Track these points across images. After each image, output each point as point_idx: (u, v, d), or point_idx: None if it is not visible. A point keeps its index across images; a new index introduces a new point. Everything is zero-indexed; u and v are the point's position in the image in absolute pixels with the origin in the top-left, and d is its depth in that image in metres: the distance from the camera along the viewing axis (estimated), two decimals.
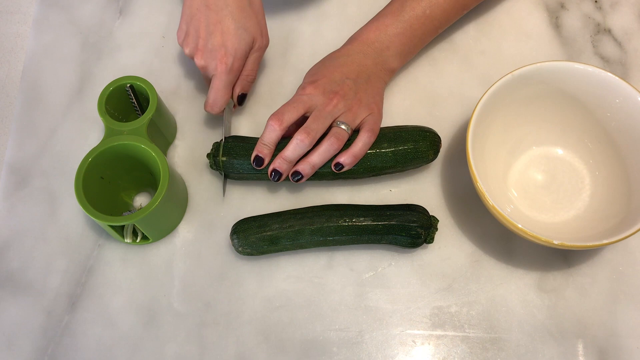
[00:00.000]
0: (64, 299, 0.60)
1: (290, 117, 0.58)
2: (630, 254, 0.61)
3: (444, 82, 0.69)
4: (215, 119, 0.68)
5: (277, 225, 0.58)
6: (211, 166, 0.62)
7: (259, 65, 0.65)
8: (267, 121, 0.58)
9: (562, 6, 0.74)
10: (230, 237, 0.59)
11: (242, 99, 0.65)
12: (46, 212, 0.64)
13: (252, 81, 0.65)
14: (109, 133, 0.59)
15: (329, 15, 0.74)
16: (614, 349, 0.57)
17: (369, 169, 0.60)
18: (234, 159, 0.61)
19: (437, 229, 0.59)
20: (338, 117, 0.59)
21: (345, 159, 0.58)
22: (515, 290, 0.59)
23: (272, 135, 0.58)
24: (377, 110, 0.61)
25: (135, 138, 0.58)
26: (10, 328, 0.59)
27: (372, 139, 0.59)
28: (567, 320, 0.58)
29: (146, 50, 0.72)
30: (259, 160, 0.59)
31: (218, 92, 0.61)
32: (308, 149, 0.58)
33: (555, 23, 0.73)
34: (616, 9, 0.73)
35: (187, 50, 0.62)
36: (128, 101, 0.63)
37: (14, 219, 0.63)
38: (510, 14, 0.73)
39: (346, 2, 0.75)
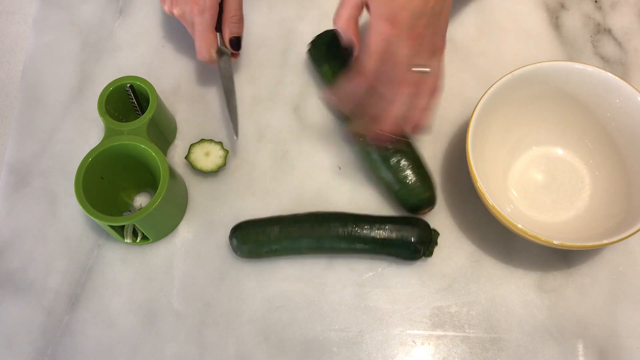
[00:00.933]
0: (64, 299, 0.60)
1: (376, 65, 0.53)
2: (630, 254, 0.61)
3: (444, 82, 0.69)
4: (214, 118, 0.68)
5: (276, 232, 0.58)
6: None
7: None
8: (351, 78, 0.54)
9: (562, 6, 0.74)
10: (229, 239, 0.59)
11: (236, 43, 0.63)
12: (46, 212, 0.64)
13: (239, 21, 0.63)
14: (109, 133, 0.59)
15: (329, 15, 0.74)
16: (614, 349, 0.57)
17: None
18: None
19: (437, 244, 0.59)
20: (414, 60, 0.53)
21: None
22: (515, 290, 0.59)
23: (361, 84, 0.54)
24: (442, 45, 0.55)
25: (135, 138, 0.58)
26: (10, 328, 0.59)
27: (441, 81, 0.55)
28: (567, 320, 0.58)
29: (146, 50, 0.72)
30: (340, 115, 0.57)
31: (200, 35, 0.60)
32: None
33: (555, 23, 0.73)
34: (616, 9, 0.73)
35: (165, 7, 0.62)
36: (128, 101, 0.63)
37: (14, 219, 0.63)
38: (510, 14, 0.73)
39: None
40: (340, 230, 0.58)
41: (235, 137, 0.64)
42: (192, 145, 0.63)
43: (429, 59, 0.54)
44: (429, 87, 0.54)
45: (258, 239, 0.58)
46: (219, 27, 0.64)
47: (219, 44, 0.64)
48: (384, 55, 0.53)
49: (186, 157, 0.63)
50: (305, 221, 0.58)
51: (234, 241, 0.59)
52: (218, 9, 0.61)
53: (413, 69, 0.53)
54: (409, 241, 0.57)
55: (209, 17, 0.60)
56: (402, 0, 0.52)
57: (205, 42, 0.61)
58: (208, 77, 0.70)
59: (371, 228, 0.58)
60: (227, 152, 0.64)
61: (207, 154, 0.63)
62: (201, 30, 0.60)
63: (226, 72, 0.64)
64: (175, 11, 0.61)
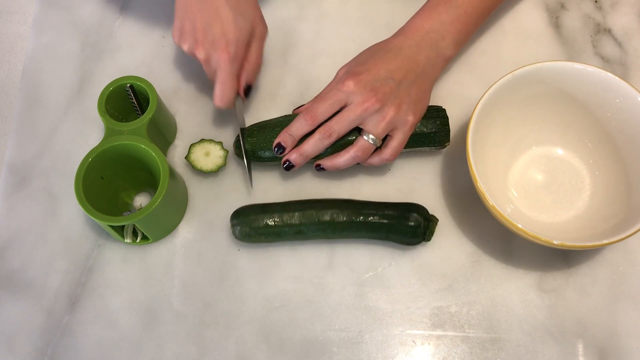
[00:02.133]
0: (64, 299, 0.60)
1: (325, 114, 0.58)
2: (630, 254, 0.61)
3: (444, 82, 0.69)
4: (214, 118, 0.68)
5: (278, 213, 0.59)
6: (237, 155, 0.63)
7: (262, 14, 0.63)
8: (301, 114, 0.58)
9: (562, 6, 0.74)
10: (230, 222, 0.59)
11: (248, 91, 0.63)
12: (46, 212, 0.64)
13: (258, 71, 0.63)
14: (109, 133, 0.59)
15: (329, 15, 0.74)
16: (614, 349, 0.57)
17: None
18: (257, 150, 0.62)
19: (436, 222, 0.60)
20: (367, 121, 0.57)
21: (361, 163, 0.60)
22: (515, 290, 0.59)
23: (301, 129, 0.58)
24: (414, 118, 0.59)
25: (135, 138, 0.58)
26: (10, 328, 0.59)
27: (395, 155, 0.59)
28: (567, 320, 0.58)
29: (146, 50, 0.72)
30: (280, 147, 0.59)
31: (225, 83, 0.59)
32: (327, 147, 0.59)
33: (555, 23, 0.73)
34: (616, 9, 0.73)
35: (185, 47, 0.60)
36: (128, 101, 0.63)
37: (14, 219, 0.63)
38: (510, 14, 0.73)
39: (346, 2, 0.75)
40: (342, 213, 0.58)
41: (250, 187, 0.64)
42: (192, 145, 0.63)
43: (383, 129, 0.57)
44: (368, 152, 0.59)
45: (259, 220, 0.58)
46: None
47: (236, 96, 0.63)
48: (336, 105, 0.57)
49: (186, 157, 0.63)
50: (307, 204, 0.59)
51: (235, 223, 0.59)
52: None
53: (363, 136, 0.58)
54: (408, 224, 0.58)
55: (238, 66, 0.60)
56: (369, 64, 0.58)
57: (229, 90, 0.60)
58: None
59: (371, 213, 0.58)
60: (227, 152, 0.64)
61: (207, 154, 0.63)
62: (228, 78, 0.59)
63: (240, 115, 0.64)
64: (200, 54, 0.59)
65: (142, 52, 0.72)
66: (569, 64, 0.59)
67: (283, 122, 0.62)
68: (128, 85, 0.62)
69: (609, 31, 0.72)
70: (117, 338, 0.58)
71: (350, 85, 0.57)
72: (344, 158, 0.59)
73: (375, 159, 0.60)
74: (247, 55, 0.61)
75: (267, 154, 0.62)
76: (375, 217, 0.58)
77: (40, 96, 0.70)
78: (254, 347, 0.57)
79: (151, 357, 0.57)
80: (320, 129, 0.58)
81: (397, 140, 0.59)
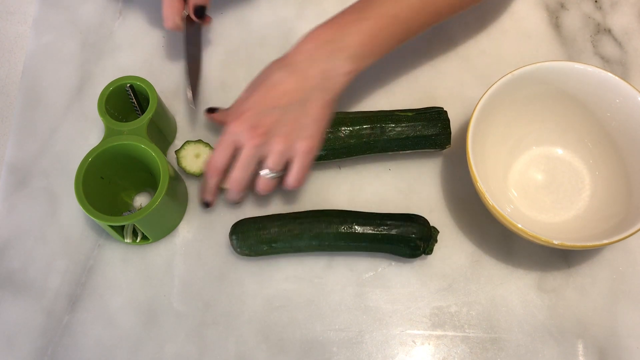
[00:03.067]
0: (64, 299, 0.60)
1: (223, 161, 0.57)
2: (630, 254, 0.61)
3: (444, 82, 0.69)
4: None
5: (276, 229, 0.58)
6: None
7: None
8: (205, 173, 0.59)
9: (562, 6, 0.74)
10: (229, 237, 0.59)
11: (200, 11, 0.63)
12: (46, 212, 0.64)
13: None
14: (108, 133, 0.59)
15: (329, 14, 0.74)
16: (614, 349, 0.57)
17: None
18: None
19: (436, 241, 0.59)
20: (264, 156, 0.56)
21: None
22: (515, 290, 0.59)
23: (211, 182, 0.59)
24: (310, 142, 0.56)
25: (135, 138, 0.58)
26: (10, 328, 0.59)
27: (298, 181, 0.57)
28: (567, 320, 0.58)
29: (146, 50, 0.72)
30: (206, 204, 0.61)
31: (167, 3, 0.61)
32: (242, 192, 0.59)
33: (555, 23, 0.73)
34: (616, 9, 0.73)
35: None
36: (128, 101, 0.63)
37: (14, 219, 0.63)
38: (510, 14, 0.73)
39: (346, 2, 0.74)
40: (340, 227, 0.58)
41: (192, 107, 0.64)
42: (187, 142, 0.63)
43: (276, 162, 0.56)
44: (270, 187, 0.58)
45: (258, 236, 0.58)
46: None
47: (186, 12, 0.64)
48: (228, 150, 0.56)
49: (177, 152, 0.63)
50: (305, 218, 0.58)
51: (234, 239, 0.59)
52: None
53: (260, 171, 0.57)
54: (408, 238, 0.57)
55: None
56: (251, 99, 0.56)
57: (171, 10, 0.62)
58: (207, 77, 0.70)
59: (371, 225, 0.58)
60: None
61: (197, 156, 0.62)
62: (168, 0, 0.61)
63: (193, 39, 0.64)
64: None
65: (142, 52, 0.72)
66: (569, 64, 0.59)
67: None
68: (128, 85, 0.62)
69: (609, 31, 0.72)
70: (117, 338, 0.58)
71: (233, 127, 0.55)
72: (256, 190, 0.59)
73: (286, 185, 0.58)
74: None
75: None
76: (376, 237, 0.58)
77: (40, 96, 0.70)
78: (254, 347, 0.57)
79: (151, 357, 0.57)
80: (227, 183, 0.58)
81: (296, 167, 0.56)
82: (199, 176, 0.63)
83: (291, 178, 0.57)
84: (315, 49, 0.55)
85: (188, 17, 0.64)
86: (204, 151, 0.63)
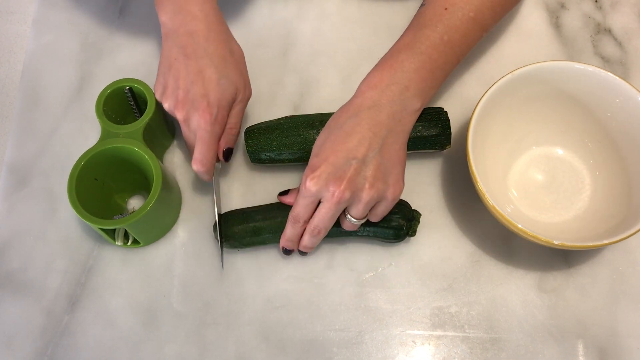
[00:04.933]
0: (63, 299, 0.60)
1: (307, 214, 0.55)
2: (630, 254, 0.61)
3: (444, 82, 0.69)
4: None
5: (261, 216, 0.59)
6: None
7: (249, 77, 0.61)
8: (288, 220, 0.56)
9: (562, 6, 0.73)
10: (213, 230, 0.59)
11: (228, 154, 0.60)
12: (46, 212, 0.64)
13: (237, 134, 0.61)
14: (105, 135, 0.59)
15: (329, 15, 0.74)
16: (614, 349, 0.57)
17: None
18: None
19: (419, 222, 0.60)
20: (347, 207, 0.55)
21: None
22: (515, 290, 0.59)
23: (294, 232, 0.57)
24: (395, 188, 0.54)
25: (129, 141, 0.58)
26: (10, 328, 0.59)
27: (380, 218, 0.57)
28: (567, 320, 0.58)
29: (146, 50, 0.72)
30: (287, 251, 0.59)
31: (205, 145, 0.56)
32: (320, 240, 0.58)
33: (555, 23, 0.73)
34: (616, 9, 0.73)
35: (166, 104, 0.57)
36: (127, 103, 0.63)
37: (14, 219, 0.63)
38: (510, 14, 0.73)
39: (346, 2, 0.75)
40: None
41: (222, 268, 0.61)
42: None
43: (363, 211, 0.54)
44: (355, 228, 0.57)
45: (243, 224, 0.59)
46: None
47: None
48: (310, 206, 0.54)
49: None
50: (286, 206, 0.59)
51: (223, 237, 0.59)
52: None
53: (347, 216, 0.55)
54: (390, 218, 0.57)
55: (219, 129, 0.57)
56: (325, 154, 0.53)
57: (210, 153, 0.57)
58: None
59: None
60: None
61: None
62: (208, 141, 0.56)
63: (216, 186, 0.62)
64: (180, 114, 0.56)
65: (142, 52, 0.72)
66: (569, 64, 0.59)
67: (283, 124, 0.61)
68: (127, 87, 0.61)
69: (609, 31, 0.72)
70: (117, 338, 0.58)
71: (311, 186, 0.52)
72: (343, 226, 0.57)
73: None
74: (228, 118, 0.59)
75: (267, 155, 0.62)
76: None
77: (40, 96, 0.70)
78: (254, 347, 0.57)
79: (151, 357, 0.57)
80: (308, 228, 0.56)
81: (381, 209, 0.55)
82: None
83: (374, 218, 0.56)
84: (379, 94, 0.54)
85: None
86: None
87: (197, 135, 0.56)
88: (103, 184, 0.60)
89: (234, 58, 0.58)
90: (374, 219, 0.56)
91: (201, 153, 0.57)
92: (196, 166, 0.58)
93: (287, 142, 0.61)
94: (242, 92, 0.58)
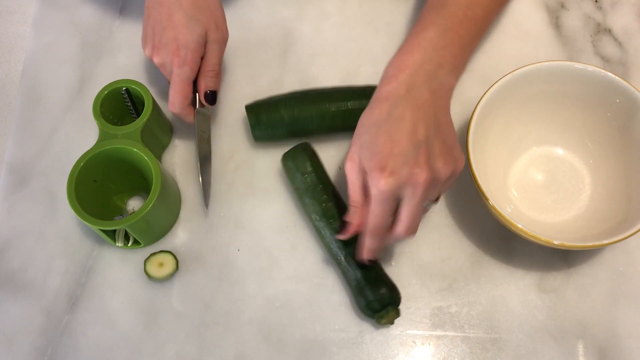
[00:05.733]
0: (63, 299, 0.60)
1: (387, 222, 0.51)
2: (630, 254, 0.61)
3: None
4: (213, 118, 0.68)
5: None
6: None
7: (225, 20, 0.62)
8: (366, 233, 0.52)
9: (562, 6, 0.73)
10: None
11: (211, 97, 0.61)
12: (46, 212, 0.64)
13: (217, 76, 0.61)
14: (103, 136, 0.59)
15: (329, 15, 0.74)
16: (614, 349, 0.57)
17: None
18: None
19: (391, 322, 0.57)
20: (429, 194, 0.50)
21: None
22: (515, 290, 0.59)
23: (378, 244, 0.53)
24: (460, 157, 0.51)
25: (128, 142, 0.58)
26: (10, 328, 0.59)
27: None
28: (568, 320, 0.58)
29: None
30: (371, 262, 0.54)
31: (175, 86, 0.59)
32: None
33: (556, 23, 0.72)
34: (616, 9, 0.73)
35: (146, 52, 0.60)
36: (124, 104, 0.63)
37: (14, 219, 0.63)
38: (510, 14, 0.73)
39: (346, 2, 0.75)
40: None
41: (205, 209, 0.62)
42: (151, 255, 0.60)
43: (443, 185, 0.51)
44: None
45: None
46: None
47: (198, 106, 0.62)
48: (389, 211, 0.50)
49: (145, 261, 0.60)
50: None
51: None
52: (199, 63, 0.60)
53: (426, 205, 0.52)
54: (372, 294, 0.55)
55: (188, 70, 0.58)
56: (386, 149, 0.48)
57: (179, 95, 0.59)
58: None
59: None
60: (176, 264, 0.60)
61: (160, 265, 0.60)
62: (178, 82, 0.58)
63: (203, 135, 0.62)
64: (156, 60, 0.59)
65: (141, 52, 0.72)
66: (569, 64, 0.59)
67: (287, 100, 0.63)
68: (124, 88, 0.61)
69: (609, 31, 0.72)
70: (117, 338, 0.58)
71: (387, 186, 0.47)
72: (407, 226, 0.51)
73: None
74: (204, 61, 0.60)
75: (265, 133, 0.63)
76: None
77: (40, 96, 0.70)
78: (254, 347, 0.57)
79: (151, 357, 0.57)
80: (397, 235, 0.51)
81: (448, 183, 0.52)
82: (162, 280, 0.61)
83: (442, 192, 0.53)
84: (413, 77, 0.50)
85: (197, 110, 0.62)
86: (168, 260, 0.60)
87: (171, 78, 0.59)
88: (102, 185, 0.60)
89: (206, 1, 0.59)
90: (443, 191, 0.53)
91: (172, 95, 0.59)
92: (170, 108, 0.60)
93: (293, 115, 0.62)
94: (213, 32, 0.59)
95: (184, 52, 0.58)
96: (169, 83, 0.60)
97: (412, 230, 0.51)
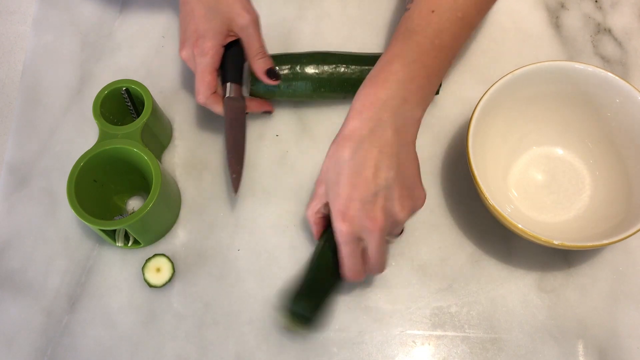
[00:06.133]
0: (63, 299, 0.60)
1: (359, 266, 0.52)
2: (630, 254, 0.61)
3: (444, 82, 0.69)
4: (213, 118, 0.68)
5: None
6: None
7: (251, 4, 0.62)
8: (346, 276, 0.53)
9: (562, 6, 0.73)
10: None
11: (272, 74, 0.63)
12: (46, 212, 0.64)
13: (265, 56, 0.63)
14: (103, 136, 0.59)
15: (329, 15, 0.74)
16: (614, 349, 0.57)
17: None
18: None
19: (298, 327, 0.56)
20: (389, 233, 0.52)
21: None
22: (515, 290, 0.59)
23: (359, 278, 0.54)
24: (420, 197, 0.52)
25: (128, 142, 0.58)
26: (10, 328, 0.59)
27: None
28: (567, 320, 0.58)
29: (146, 50, 0.72)
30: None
31: (198, 76, 0.60)
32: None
33: (556, 23, 0.73)
34: (616, 9, 0.73)
35: (181, 53, 0.62)
36: (124, 104, 0.63)
37: (14, 219, 0.63)
38: (510, 14, 0.73)
39: (346, 2, 0.75)
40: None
41: (234, 194, 0.62)
42: (147, 260, 0.60)
43: (401, 227, 0.53)
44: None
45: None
46: (233, 72, 0.63)
47: (229, 94, 0.62)
48: (357, 254, 0.52)
49: (142, 267, 0.60)
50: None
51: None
52: (221, 52, 0.61)
53: (390, 240, 0.55)
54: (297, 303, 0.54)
55: (208, 59, 0.60)
56: (346, 192, 0.50)
57: (202, 84, 0.60)
58: None
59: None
60: (173, 271, 0.60)
61: (158, 270, 0.60)
62: (199, 72, 0.60)
63: (236, 122, 0.62)
64: (182, 54, 0.61)
65: (142, 52, 0.72)
66: (569, 64, 0.59)
67: (290, 57, 0.65)
68: (124, 88, 0.61)
69: (609, 31, 0.72)
70: (117, 338, 0.58)
71: (347, 232, 0.50)
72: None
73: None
74: (247, 48, 0.62)
75: (265, 86, 0.64)
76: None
77: (40, 96, 0.70)
78: (254, 347, 0.57)
79: (151, 357, 0.57)
80: (372, 273, 0.54)
81: (411, 217, 0.54)
82: (161, 287, 0.60)
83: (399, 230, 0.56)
84: (378, 114, 0.50)
85: (229, 98, 0.62)
86: (164, 264, 0.60)
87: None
88: (102, 185, 0.60)
89: None
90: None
91: (197, 84, 0.60)
92: (196, 98, 0.61)
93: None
94: (239, 18, 0.60)
95: (202, 41, 0.59)
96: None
97: (379, 268, 0.54)
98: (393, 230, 0.52)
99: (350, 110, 0.52)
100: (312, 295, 0.54)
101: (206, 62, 0.60)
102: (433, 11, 0.54)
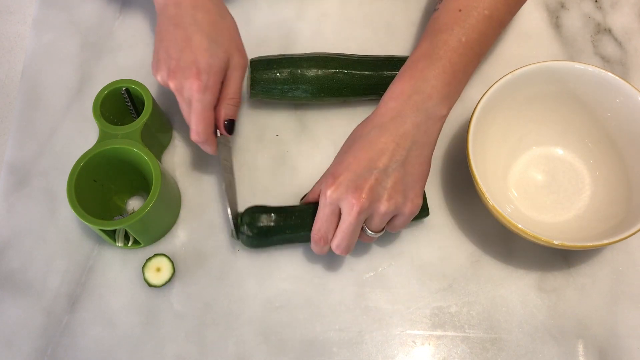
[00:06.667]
0: (63, 299, 0.60)
1: (330, 231, 0.54)
2: (630, 254, 0.61)
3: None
4: None
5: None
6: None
7: (243, 44, 0.59)
8: (312, 238, 0.55)
9: (563, 6, 0.74)
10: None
11: (230, 126, 0.58)
12: (46, 212, 0.64)
13: (237, 105, 0.59)
14: (102, 136, 0.59)
15: (329, 15, 0.74)
16: (614, 349, 0.57)
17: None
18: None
19: (247, 232, 0.58)
20: (366, 220, 0.53)
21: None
22: (515, 290, 0.59)
23: (322, 250, 0.56)
24: (414, 203, 0.53)
25: (127, 142, 0.58)
26: (10, 328, 0.59)
27: (399, 229, 0.56)
28: (567, 320, 0.58)
29: (146, 50, 0.72)
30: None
31: (198, 114, 0.55)
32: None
33: (556, 23, 0.73)
34: (616, 9, 0.73)
35: (159, 77, 0.56)
36: (124, 104, 0.63)
37: (14, 219, 0.63)
38: None
39: (346, 2, 0.75)
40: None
41: (235, 237, 0.60)
42: (147, 260, 0.60)
43: (379, 225, 0.53)
44: (371, 240, 0.57)
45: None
46: None
47: (219, 134, 0.59)
48: (331, 219, 0.53)
49: (142, 268, 0.60)
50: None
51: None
52: (219, 89, 0.57)
53: (365, 230, 0.54)
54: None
55: (210, 96, 0.55)
56: (346, 161, 0.52)
57: (202, 123, 0.56)
58: None
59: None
60: (173, 271, 0.61)
61: (158, 270, 0.60)
62: (200, 109, 0.55)
63: (227, 164, 0.60)
64: (172, 84, 0.55)
65: (142, 52, 0.72)
66: (569, 64, 0.59)
67: (290, 60, 0.64)
68: (124, 88, 0.61)
69: (609, 31, 0.72)
70: (117, 338, 0.58)
71: (330, 194, 0.51)
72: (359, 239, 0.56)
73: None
74: (225, 87, 0.57)
75: (264, 88, 0.64)
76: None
77: (40, 96, 0.70)
78: (254, 347, 0.57)
79: (151, 357, 0.57)
80: (332, 247, 0.55)
81: (399, 222, 0.54)
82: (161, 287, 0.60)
83: (392, 229, 0.56)
84: (401, 106, 0.52)
85: (219, 138, 0.59)
86: (164, 264, 0.60)
87: (191, 105, 0.56)
88: (102, 185, 0.60)
89: (225, 24, 0.57)
90: (392, 230, 0.56)
91: (195, 123, 0.56)
92: (193, 137, 0.57)
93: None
94: (235, 57, 0.57)
95: (206, 77, 0.54)
96: (183, 114, 0.58)
97: (342, 248, 0.54)
98: (372, 220, 0.53)
99: (380, 101, 0.55)
100: (270, 218, 0.58)
101: (208, 99, 0.55)
102: (460, 10, 0.55)
